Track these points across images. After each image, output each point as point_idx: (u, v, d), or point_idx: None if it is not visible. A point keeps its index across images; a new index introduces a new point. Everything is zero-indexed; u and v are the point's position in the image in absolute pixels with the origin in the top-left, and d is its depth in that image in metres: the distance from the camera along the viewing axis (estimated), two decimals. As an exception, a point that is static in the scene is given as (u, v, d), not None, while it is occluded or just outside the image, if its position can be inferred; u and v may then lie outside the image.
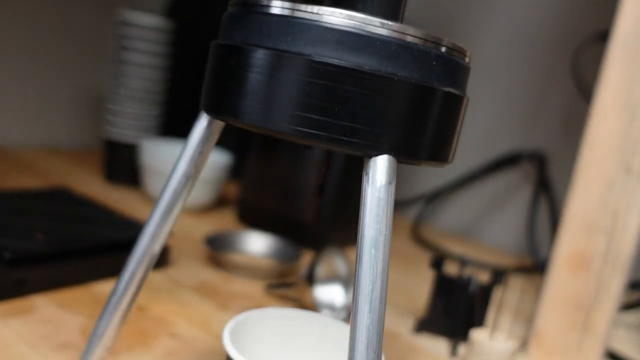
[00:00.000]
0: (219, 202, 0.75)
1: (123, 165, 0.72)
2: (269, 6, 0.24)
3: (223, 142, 0.77)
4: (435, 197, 0.87)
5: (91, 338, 0.31)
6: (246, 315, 0.33)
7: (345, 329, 0.35)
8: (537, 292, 0.63)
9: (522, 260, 0.78)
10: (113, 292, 0.30)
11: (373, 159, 0.24)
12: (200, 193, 0.69)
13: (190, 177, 0.30)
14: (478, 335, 0.46)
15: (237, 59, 0.24)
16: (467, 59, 0.26)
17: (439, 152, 0.25)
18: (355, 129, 0.23)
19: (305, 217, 0.65)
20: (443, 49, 0.24)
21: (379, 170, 0.24)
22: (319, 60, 0.23)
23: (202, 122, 0.29)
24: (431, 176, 0.88)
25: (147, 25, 0.68)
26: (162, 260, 0.52)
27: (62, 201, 0.56)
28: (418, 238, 0.79)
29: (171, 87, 0.75)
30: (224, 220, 0.70)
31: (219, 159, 0.70)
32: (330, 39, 0.23)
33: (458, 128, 0.26)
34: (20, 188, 0.61)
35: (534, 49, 0.79)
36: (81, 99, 0.86)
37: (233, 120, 0.25)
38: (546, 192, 0.79)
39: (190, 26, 0.79)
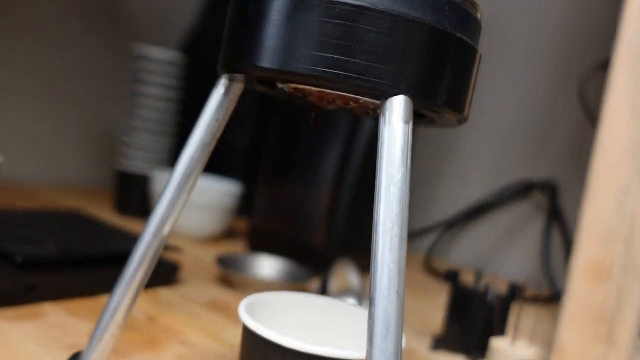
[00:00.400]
0: (229, 234, 0.75)
1: (135, 197, 0.72)
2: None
3: (232, 172, 0.77)
4: (448, 229, 0.86)
5: (97, 326, 0.30)
6: (262, 295, 0.32)
7: (361, 312, 0.34)
8: (555, 318, 0.61)
9: (539, 291, 0.76)
10: (121, 276, 0.30)
11: (389, 100, 0.24)
12: (210, 222, 0.68)
13: (207, 145, 0.30)
14: (499, 343, 0.44)
15: (254, 8, 0.25)
16: (478, 14, 0.26)
17: (455, 100, 0.26)
18: (370, 67, 0.23)
19: (316, 242, 0.64)
20: (451, -4, 0.25)
21: (396, 110, 0.24)
22: (335, 1, 0.23)
23: (220, 89, 0.29)
24: (443, 208, 0.88)
25: (162, 60, 0.71)
26: (172, 278, 0.52)
27: (74, 219, 0.56)
28: (431, 270, 0.77)
29: (183, 120, 0.76)
30: (234, 248, 0.69)
31: (228, 188, 0.70)
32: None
33: (473, 80, 0.27)
34: (33, 208, 0.62)
35: (540, 78, 0.80)
36: (93, 135, 0.88)
37: (251, 68, 0.25)
38: (559, 222, 0.78)
39: (204, 61, 0.81)
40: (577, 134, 0.77)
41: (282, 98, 0.34)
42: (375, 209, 0.24)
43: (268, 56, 0.25)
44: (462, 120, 0.28)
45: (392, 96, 0.24)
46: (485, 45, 0.86)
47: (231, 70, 0.27)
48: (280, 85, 0.29)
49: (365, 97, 0.25)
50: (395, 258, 0.23)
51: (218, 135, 0.30)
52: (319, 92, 0.28)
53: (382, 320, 0.22)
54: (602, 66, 0.70)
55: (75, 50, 0.81)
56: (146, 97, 0.71)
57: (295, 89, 0.29)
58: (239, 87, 0.30)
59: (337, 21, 0.23)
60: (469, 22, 0.26)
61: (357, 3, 0.23)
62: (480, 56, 0.27)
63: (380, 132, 0.24)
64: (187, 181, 0.30)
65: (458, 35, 0.25)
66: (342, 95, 0.28)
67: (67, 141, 0.85)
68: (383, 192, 0.24)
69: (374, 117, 0.34)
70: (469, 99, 0.27)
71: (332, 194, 0.64)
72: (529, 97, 0.81)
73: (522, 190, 0.80)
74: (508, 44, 0.83)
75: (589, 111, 0.72)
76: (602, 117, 0.49)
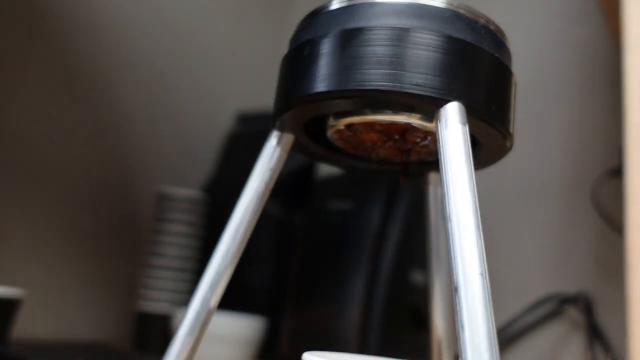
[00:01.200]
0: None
1: (155, 336, 0.69)
2: (332, 3, 0.28)
3: (254, 310, 0.75)
4: None
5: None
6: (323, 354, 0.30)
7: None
8: None
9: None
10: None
11: (443, 107, 0.25)
12: (232, 354, 0.65)
13: (261, 194, 0.30)
14: None
15: (309, 48, 0.28)
16: (508, 42, 0.29)
17: (500, 113, 0.27)
18: (423, 79, 0.25)
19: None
20: (485, 22, 0.28)
21: (450, 114, 0.25)
22: (383, 26, 0.26)
23: (272, 141, 0.31)
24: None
25: (184, 198, 0.73)
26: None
27: (99, 347, 0.54)
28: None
29: (204, 257, 0.76)
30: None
31: (251, 322, 0.68)
32: (390, 11, 0.27)
33: (512, 99, 0.29)
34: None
35: (552, 191, 0.82)
36: (112, 285, 0.86)
37: (306, 98, 0.27)
38: (600, 340, 0.74)
39: (224, 200, 0.84)
40: (599, 241, 0.77)
41: (328, 159, 0.35)
42: (447, 212, 0.24)
43: (323, 81, 0.27)
44: (509, 139, 0.29)
45: (445, 103, 0.25)
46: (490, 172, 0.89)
47: (284, 110, 0.29)
48: (331, 125, 0.31)
49: (421, 108, 0.26)
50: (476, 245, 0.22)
51: (271, 185, 0.31)
52: (373, 124, 0.29)
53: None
54: (612, 173, 0.73)
55: (95, 194, 0.84)
56: (168, 234, 0.72)
57: (347, 126, 0.30)
58: (289, 138, 0.31)
59: (387, 42, 0.26)
60: (502, 46, 0.28)
61: (404, 26, 0.26)
62: (516, 82, 0.29)
63: (439, 136, 0.25)
64: (242, 231, 0.30)
65: (496, 55, 0.27)
66: (395, 124, 0.29)
67: (85, 296, 0.84)
68: (451, 193, 0.24)
69: (422, 171, 0.35)
70: (512, 116, 0.29)
71: (362, 313, 0.62)
72: (544, 211, 0.83)
73: (554, 307, 0.78)
74: (519, 167, 0.86)
75: (607, 217, 0.73)
76: (626, 227, 0.49)
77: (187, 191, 0.74)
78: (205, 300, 0.29)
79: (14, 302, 0.52)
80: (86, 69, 0.80)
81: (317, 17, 0.28)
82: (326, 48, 0.27)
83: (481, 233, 0.23)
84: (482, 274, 0.22)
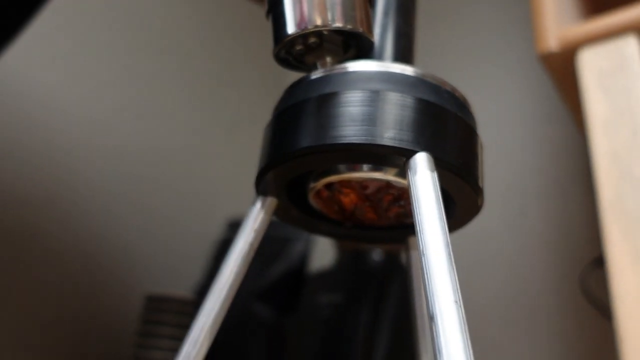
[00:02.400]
0: None
1: None
2: (312, 75, 0.31)
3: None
4: None
5: None
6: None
7: None
8: None
9: None
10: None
11: (412, 158, 0.28)
12: None
13: (246, 254, 0.31)
14: None
15: (290, 113, 0.30)
16: (471, 107, 0.32)
17: (468, 167, 0.29)
18: (394, 133, 0.28)
19: None
20: (449, 88, 0.31)
21: (419, 163, 0.27)
22: (356, 90, 0.29)
23: (257, 205, 0.32)
24: None
25: (176, 300, 0.73)
26: None
27: None
28: None
29: None
30: None
31: None
32: (363, 78, 0.30)
33: (479, 159, 0.31)
34: None
35: (541, 287, 0.82)
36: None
37: (285, 156, 0.29)
38: None
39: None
40: (592, 330, 0.76)
41: (309, 226, 0.36)
42: (420, 247, 0.25)
43: (300, 140, 0.29)
44: (480, 196, 0.31)
45: (414, 154, 0.28)
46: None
47: (264, 172, 0.31)
48: (311, 188, 0.33)
49: (392, 161, 0.28)
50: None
51: (255, 245, 0.32)
52: (351, 185, 0.31)
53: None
54: (598, 262, 0.74)
55: (81, 298, 0.83)
56: (157, 337, 0.70)
57: (327, 187, 0.32)
58: (272, 201, 0.33)
59: (359, 103, 0.29)
60: (465, 110, 0.31)
61: (374, 89, 0.29)
62: (482, 144, 0.32)
63: (410, 183, 0.27)
64: (227, 289, 0.31)
65: (459, 114, 0.30)
66: (375, 181, 0.31)
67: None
68: (423, 229, 0.25)
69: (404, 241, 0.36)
70: (480, 174, 0.31)
71: None
72: (535, 307, 0.82)
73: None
74: (506, 267, 0.87)
75: (598, 306, 0.73)
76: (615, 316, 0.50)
77: (178, 292, 0.74)
78: (194, 351, 0.29)
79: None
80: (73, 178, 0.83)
81: (297, 87, 0.31)
82: (304, 111, 0.30)
83: (453, 264, 0.24)
84: (456, 302, 0.23)
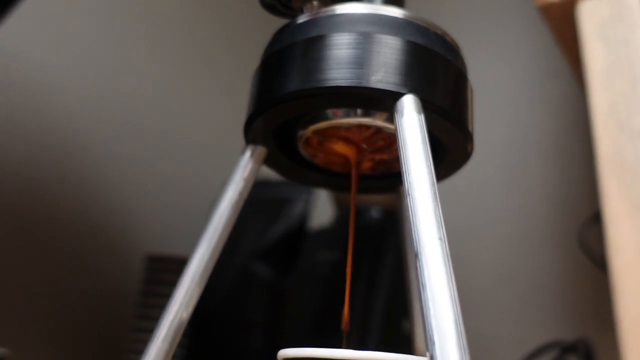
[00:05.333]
0: None
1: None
2: (298, 19, 0.31)
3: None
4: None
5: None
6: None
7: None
8: None
9: None
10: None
11: (400, 100, 0.27)
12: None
13: (235, 203, 0.31)
14: None
15: (277, 58, 0.30)
16: (459, 49, 0.31)
17: (457, 110, 0.29)
18: (381, 76, 0.27)
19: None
20: (439, 31, 0.30)
21: (407, 105, 0.27)
22: (342, 33, 0.28)
23: (246, 154, 0.32)
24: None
25: (176, 260, 0.73)
26: None
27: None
28: None
29: (195, 321, 0.75)
30: None
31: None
32: (349, 21, 0.29)
33: (469, 101, 0.30)
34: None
35: (541, 241, 0.83)
36: (98, 343, 0.84)
37: (274, 101, 0.29)
38: (605, 391, 0.72)
39: (217, 263, 0.84)
40: (592, 286, 0.77)
41: (298, 176, 0.36)
42: (405, 188, 0.25)
43: (286, 84, 0.28)
44: (469, 142, 0.30)
45: (401, 96, 0.27)
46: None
47: (252, 119, 0.30)
48: (300, 136, 0.32)
49: (379, 103, 0.28)
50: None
51: (244, 194, 0.32)
52: (342, 129, 0.31)
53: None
54: (597, 218, 0.74)
55: (82, 258, 0.84)
56: (158, 296, 0.71)
57: (315, 132, 0.32)
58: (261, 150, 0.33)
59: (345, 46, 0.28)
60: (455, 53, 0.31)
61: (362, 31, 0.28)
62: (472, 87, 0.31)
63: (397, 125, 0.27)
64: (217, 237, 0.31)
65: (448, 57, 0.29)
66: (362, 131, 0.31)
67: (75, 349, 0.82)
68: (409, 169, 0.25)
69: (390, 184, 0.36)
70: (469, 118, 0.30)
71: None
72: (535, 261, 0.83)
73: (555, 356, 0.75)
74: (505, 220, 0.87)
75: (597, 261, 0.73)
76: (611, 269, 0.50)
77: (178, 253, 0.75)
78: (181, 306, 0.29)
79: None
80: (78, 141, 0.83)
81: (284, 31, 0.31)
82: (291, 55, 0.29)
83: (439, 203, 0.24)
84: (440, 239, 0.23)
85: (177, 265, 0.73)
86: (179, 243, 0.94)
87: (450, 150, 0.31)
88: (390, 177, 0.36)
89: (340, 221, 0.75)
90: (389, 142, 0.32)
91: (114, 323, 0.85)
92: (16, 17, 0.70)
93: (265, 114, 0.30)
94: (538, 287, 0.82)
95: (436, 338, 0.20)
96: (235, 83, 1.08)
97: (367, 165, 0.33)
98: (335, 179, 0.36)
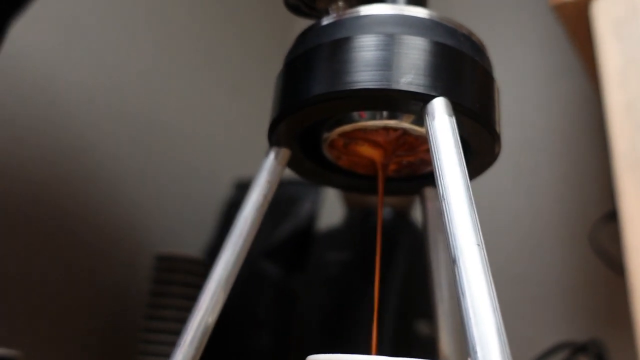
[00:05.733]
0: None
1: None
2: (323, 20, 0.30)
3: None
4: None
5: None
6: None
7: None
8: None
9: None
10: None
11: (430, 103, 0.27)
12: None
13: (260, 206, 0.31)
14: None
15: (302, 60, 0.29)
16: (487, 51, 0.31)
17: (485, 111, 0.28)
18: (411, 78, 0.27)
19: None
20: (465, 32, 0.30)
21: (437, 108, 0.27)
22: (370, 34, 0.28)
23: (270, 156, 0.32)
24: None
25: (186, 260, 0.73)
26: None
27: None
28: None
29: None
30: None
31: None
32: (376, 22, 0.29)
33: (496, 102, 0.30)
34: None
35: (551, 241, 0.82)
36: (109, 354, 0.83)
37: (300, 105, 0.28)
38: (616, 390, 0.72)
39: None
40: (604, 286, 0.76)
41: (322, 178, 0.36)
42: (440, 192, 0.24)
43: (313, 87, 0.28)
44: (497, 142, 0.30)
45: (432, 99, 0.27)
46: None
47: (277, 121, 0.30)
48: (325, 139, 0.32)
49: (408, 106, 0.28)
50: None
51: (269, 197, 0.32)
52: (367, 132, 0.30)
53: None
54: (609, 217, 0.74)
55: (88, 260, 0.83)
56: (168, 296, 0.71)
57: (340, 135, 0.31)
58: (285, 152, 0.32)
59: (373, 48, 0.28)
60: (482, 54, 0.30)
61: (388, 32, 0.28)
62: (498, 88, 0.31)
63: (428, 128, 0.26)
64: (242, 241, 0.30)
65: (476, 58, 0.29)
66: (391, 129, 0.30)
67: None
68: (443, 173, 0.25)
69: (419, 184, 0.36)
70: (497, 119, 0.30)
71: None
72: (547, 261, 0.82)
73: (566, 356, 0.75)
74: (516, 220, 0.87)
75: (609, 261, 0.73)
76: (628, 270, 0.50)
77: (187, 252, 0.74)
78: (207, 311, 0.29)
79: (10, 360, 0.50)
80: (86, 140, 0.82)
81: (309, 33, 0.31)
82: (316, 58, 0.29)
83: (474, 207, 0.23)
84: (478, 244, 0.22)
85: (186, 265, 0.73)
86: (188, 242, 0.93)
87: (478, 152, 0.31)
88: (414, 179, 0.35)
89: (350, 221, 0.75)
90: (415, 145, 0.31)
91: (123, 323, 0.85)
92: (22, 15, 0.69)
93: (290, 117, 0.29)
94: (549, 287, 0.82)
95: (478, 347, 0.20)
96: (244, 80, 1.08)
97: (391, 167, 0.33)
98: (358, 180, 0.36)
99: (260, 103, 1.07)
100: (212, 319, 0.29)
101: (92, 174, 0.84)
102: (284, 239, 0.83)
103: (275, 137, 0.31)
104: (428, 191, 0.36)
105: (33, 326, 0.76)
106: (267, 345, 0.80)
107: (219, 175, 0.99)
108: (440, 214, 0.32)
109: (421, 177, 0.35)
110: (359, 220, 0.72)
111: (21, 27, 0.73)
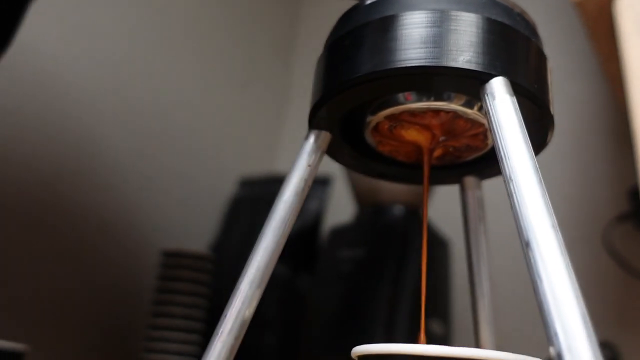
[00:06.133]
0: None
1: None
2: (366, 0, 0.29)
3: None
4: None
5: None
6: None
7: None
8: None
9: None
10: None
11: (489, 82, 0.26)
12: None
13: (300, 190, 0.30)
14: None
15: (346, 40, 0.28)
16: (539, 33, 0.30)
17: (542, 92, 0.27)
18: (468, 56, 0.26)
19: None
20: (519, 10, 0.29)
21: (497, 87, 0.25)
22: (423, 10, 0.27)
23: (310, 139, 0.30)
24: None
25: (192, 256, 0.71)
26: None
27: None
28: None
29: (211, 319, 0.73)
30: None
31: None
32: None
33: (549, 83, 0.29)
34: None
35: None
36: (115, 352, 0.81)
37: (346, 85, 0.27)
38: (627, 394, 0.71)
39: (230, 262, 0.82)
40: (617, 288, 0.76)
41: (360, 166, 0.35)
42: (506, 174, 0.23)
43: (364, 65, 0.27)
44: (551, 125, 0.29)
45: (491, 78, 0.26)
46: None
47: (321, 103, 0.29)
48: (369, 122, 0.31)
49: (465, 87, 0.26)
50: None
51: (310, 181, 0.30)
52: (413, 115, 0.29)
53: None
54: (622, 218, 0.73)
55: (98, 252, 0.81)
56: (174, 293, 0.69)
57: (387, 117, 0.30)
58: (326, 135, 0.31)
59: (427, 24, 0.26)
60: (536, 34, 0.29)
61: (442, 8, 0.27)
62: (551, 68, 0.30)
63: (489, 108, 0.25)
64: (282, 226, 0.29)
65: (531, 38, 0.28)
66: (437, 117, 0.29)
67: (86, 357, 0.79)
68: (509, 155, 0.23)
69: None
70: (551, 98, 0.29)
71: None
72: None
73: None
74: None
75: (622, 263, 0.72)
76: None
77: (194, 249, 0.72)
78: (247, 298, 0.27)
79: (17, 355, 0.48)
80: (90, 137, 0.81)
81: (353, 13, 0.29)
82: (362, 37, 0.27)
83: (545, 189, 0.22)
84: (554, 227, 0.21)
85: (192, 261, 0.71)
86: (194, 239, 0.92)
87: (532, 134, 0.30)
88: (454, 167, 0.34)
89: (361, 219, 0.73)
90: (464, 129, 0.30)
91: (129, 320, 0.83)
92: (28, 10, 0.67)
93: (335, 98, 0.28)
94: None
95: (561, 333, 0.19)
96: (250, 77, 1.07)
97: (436, 153, 0.32)
98: (396, 169, 0.34)
99: (266, 100, 1.06)
100: (250, 311, 0.28)
101: (97, 170, 0.82)
102: (290, 239, 0.82)
103: (316, 120, 0.30)
104: (468, 180, 0.34)
105: (40, 322, 0.74)
106: (273, 345, 0.78)
107: (224, 172, 0.97)
108: (479, 204, 0.30)
109: (461, 165, 0.34)
110: (370, 217, 0.71)
111: (24, 24, 0.71)
